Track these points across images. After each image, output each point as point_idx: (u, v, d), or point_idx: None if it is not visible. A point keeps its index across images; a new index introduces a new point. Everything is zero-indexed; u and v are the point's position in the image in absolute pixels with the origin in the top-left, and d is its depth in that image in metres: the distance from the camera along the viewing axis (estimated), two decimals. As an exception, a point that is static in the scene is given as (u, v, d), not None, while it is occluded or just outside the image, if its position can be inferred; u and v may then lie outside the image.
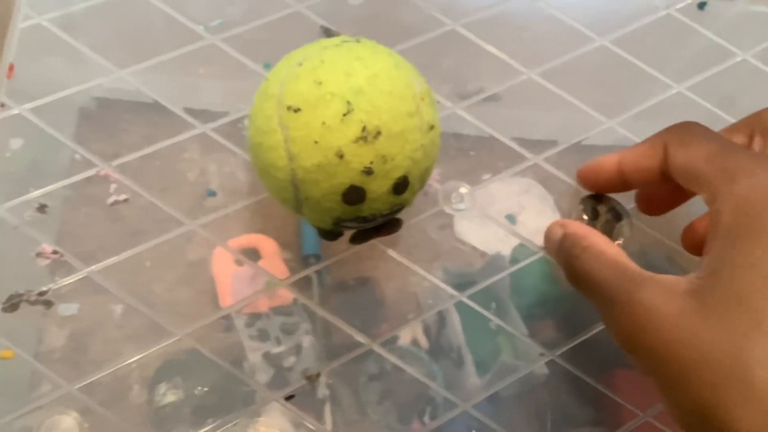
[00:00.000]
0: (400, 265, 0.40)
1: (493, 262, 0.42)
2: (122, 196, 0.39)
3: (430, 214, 0.42)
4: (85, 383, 0.35)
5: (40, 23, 0.41)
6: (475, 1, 0.47)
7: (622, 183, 0.39)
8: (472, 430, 0.39)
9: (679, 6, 0.49)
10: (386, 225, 0.37)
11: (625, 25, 0.48)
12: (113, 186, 0.39)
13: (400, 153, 0.33)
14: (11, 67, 0.39)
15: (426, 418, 0.38)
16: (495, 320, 0.40)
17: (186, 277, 0.39)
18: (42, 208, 0.37)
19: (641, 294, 0.31)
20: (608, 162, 0.39)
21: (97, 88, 0.41)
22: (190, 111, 0.41)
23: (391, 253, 0.40)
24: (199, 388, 0.37)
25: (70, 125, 0.39)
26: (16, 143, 0.38)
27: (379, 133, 0.32)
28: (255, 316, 0.39)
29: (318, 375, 0.38)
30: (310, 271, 0.40)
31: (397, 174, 0.33)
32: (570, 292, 0.42)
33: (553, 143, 0.44)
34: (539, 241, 0.42)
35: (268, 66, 0.42)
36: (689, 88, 0.47)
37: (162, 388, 0.37)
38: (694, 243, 0.39)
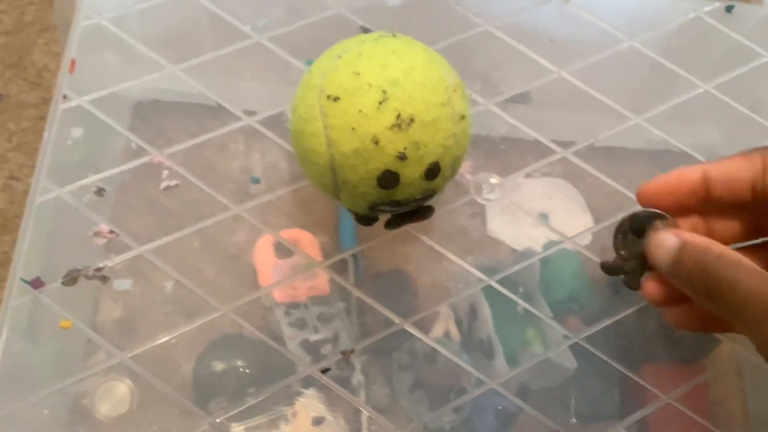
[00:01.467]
0: (433, 257, 0.42)
1: (524, 258, 0.43)
2: (173, 182, 0.41)
3: (462, 203, 0.44)
4: (136, 353, 0.37)
5: (100, 22, 0.44)
6: (508, 5, 0.49)
7: (705, 198, 0.36)
8: (498, 406, 0.40)
9: (707, 9, 0.51)
10: (419, 211, 0.39)
11: (655, 27, 0.50)
12: (165, 172, 0.42)
13: (433, 140, 0.35)
14: (73, 62, 0.42)
15: (455, 408, 0.39)
16: (522, 304, 0.41)
17: (231, 259, 0.41)
18: (100, 191, 0.40)
19: None
20: (690, 173, 0.36)
21: (150, 83, 0.43)
22: (236, 104, 0.44)
23: (425, 240, 0.42)
24: (241, 362, 0.39)
25: (125, 116, 0.42)
26: (76, 132, 0.41)
27: (412, 120, 0.34)
28: (293, 305, 0.41)
29: (353, 351, 0.39)
30: (347, 258, 0.42)
31: (430, 160, 0.35)
32: (600, 291, 0.43)
33: (583, 140, 0.46)
34: (571, 238, 0.43)
35: (309, 63, 0.44)
36: (716, 87, 0.48)
37: (206, 360, 0.39)
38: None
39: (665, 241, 0.35)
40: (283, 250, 0.42)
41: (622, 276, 0.38)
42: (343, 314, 0.41)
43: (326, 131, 0.35)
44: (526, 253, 0.44)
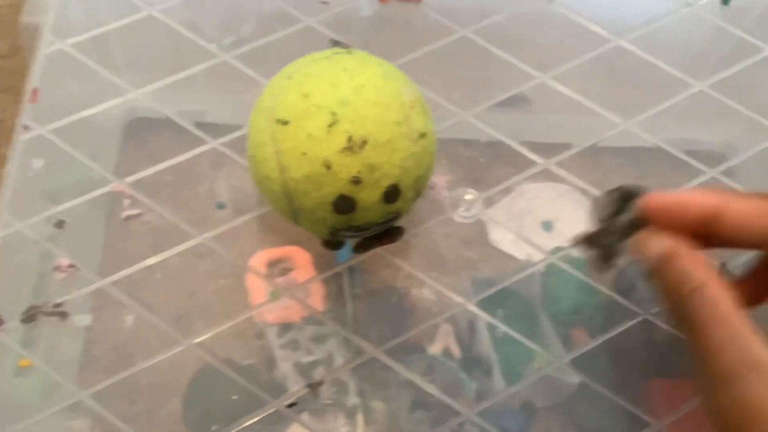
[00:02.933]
0: (431, 271, 0.41)
1: (525, 269, 0.42)
2: (135, 211, 0.41)
3: (437, 221, 0.42)
4: (97, 390, 0.36)
5: (62, 48, 0.43)
6: (486, 7, 0.47)
7: (709, 234, 0.31)
8: (500, 424, 0.38)
9: (702, 2, 0.48)
10: (387, 233, 0.38)
11: (647, 24, 0.47)
12: (127, 201, 0.41)
13: (389, 162, 0.33)
14: (35, 92, 0.42)
15: (457, 426, 0.38)
16: (506, 328, 0.40)
17: (196, 288, 0.40)
18: (60, 223, 0.39)
19: (753, 384, 0.27)
20: (698, 202, 0.31)
21: (114, 108, 0.43)
22: (202, 126, 0.42)
23: (417, 261, 0.41)
24: (229, 391, 0.38)
25: (87, 144, 0.41)
26: (38, 163, 0.41)
27: (365, 142, 0.32)
28: (286, 327, 0.40)
29: (321, 383, 0.38)
30: (342, 271, 0.41)
31: (387, 182, 0.34)
32: (606, 301, 0.42)
33: (567, 146, 0.44)
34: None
35: (279, 80, 0.44)
36: (712, 86, 0.45)
37: (194, 391, 0.38)
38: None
39: (650, 243, 0.32)
40: (278, 266, 0.41)
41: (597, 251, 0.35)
42: (337, 334, 0.40)
43: (278, 156, 0.33)
44: (527, 264, 0.42)
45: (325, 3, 0.46)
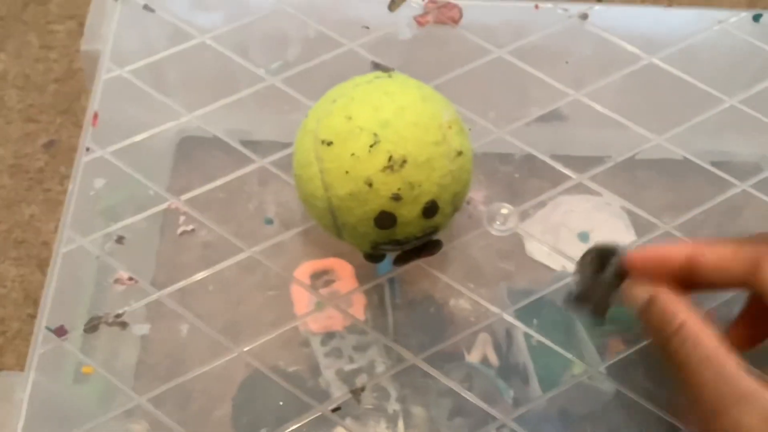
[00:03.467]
0: (468, 281, 0.42)
1: (561, 279, 0.42)
2: (190, 227, 0.43)
3: (474, 234, 0.43)
4: (153, 395, 0.38)
5: (121, 74, 0.46)
6: (521, 27, 0.48)
7: (690, 280, 0.33)
8: None
9: (732, 20, 0.49)
10: (426, 247, 0.40)
11: (677, 42, 0.49)
12: (182, 218, 0.43)
13: (428, 179, 0.35)
14: (95, 116, 0.44)
15: None
16: (542, 338, 0.41)
17: (244, 299, 0.42)
18: (120, 239, 0.42)
19: (741, 416, 0.28)
20: (675, 254, 0.34)
21: (168, 131, 0.45)
22: (249, 145, 0.45)
23: (455, 272, 0.42)
24: (276, 397, 0.40)
25: (145, 165, 0.44)
26: (99, 182, 0.43)
27: (405, 161, 0.34)
28: (330, 335, 0.42)
29: (363, 388, 0.40)
30: (383, 282, 0.43)
31: (426, 199, 0.35)
32: None
33: (600, 160, 0.45)
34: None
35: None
36: (743, 101, 0.46)
37: (242, 397, 0.40)
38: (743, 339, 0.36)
39: (635, 295, 0.34)
40: (320, 280, 0.43)
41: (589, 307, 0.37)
42: (378, 342, 0.41)
43: (322, 175, 0.35)
44: (564, 274, 0.43)
45: (366, 28, 0.48)
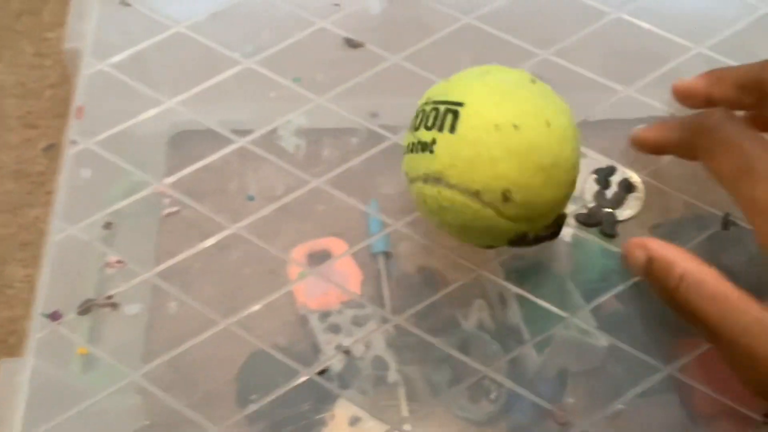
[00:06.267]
0: (458, 252, 0.42)
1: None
2: (174, 209, 0.44)
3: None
4: (147, 370, 0.39)
5: (102, 68, 0.48)
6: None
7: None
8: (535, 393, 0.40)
9: None
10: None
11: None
12: (166, 200, 0.44)
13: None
14: (80, 109, 0.46)
15: (493, 397, 0.40)
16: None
17: (235, 277, 0.43)
18: (108, 225, 0.43)
19: (750, 339, 0.30)
20: (672, 129, 0.38)
21: (149, 119, 0.46)
22: (231, 129, 0.46)
23: (448, 240, 0.42)
24: (273, 377, 0.40)
25: (128, 153, 0.45)
26: (85, 173, 0.45)
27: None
28: (327, 313, 0.42)
29: (363, 360, 0.41)
30: (378, 256, 0.43)
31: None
32: None
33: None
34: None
35: (298, 80, 0.47)
36: (711, 48, 0.47)
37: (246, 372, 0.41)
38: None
39: (633, 255, 0.36)
40: (317, 257, 0.44)
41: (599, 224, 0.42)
42: (376, 315, 0.42)
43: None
44: None
45: (336, 5, 0.49)
